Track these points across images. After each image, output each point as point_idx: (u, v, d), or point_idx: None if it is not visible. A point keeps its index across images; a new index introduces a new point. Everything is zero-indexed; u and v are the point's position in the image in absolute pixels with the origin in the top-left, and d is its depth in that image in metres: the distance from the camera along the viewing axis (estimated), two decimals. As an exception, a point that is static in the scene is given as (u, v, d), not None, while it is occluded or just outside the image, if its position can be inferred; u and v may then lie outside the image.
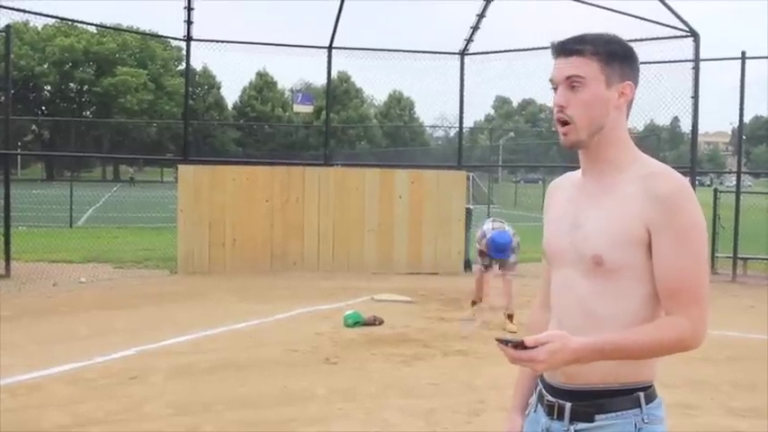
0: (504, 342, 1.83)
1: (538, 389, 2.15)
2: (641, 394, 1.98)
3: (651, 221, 1.92)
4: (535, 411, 2.15)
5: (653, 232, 1.92)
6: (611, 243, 1.94)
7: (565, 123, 1.99)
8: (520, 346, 1.82)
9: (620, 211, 1.95)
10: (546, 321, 2.24)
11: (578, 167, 2.14)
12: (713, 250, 13.61)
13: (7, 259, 11.49)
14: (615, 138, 2.02)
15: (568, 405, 2.00)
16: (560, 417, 2.02)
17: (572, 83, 1.97)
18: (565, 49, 1.99)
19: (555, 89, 2.02)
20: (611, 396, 1.97)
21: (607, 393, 1.97)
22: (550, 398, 2.06)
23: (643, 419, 1.97)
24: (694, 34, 12.37)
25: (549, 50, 2.06)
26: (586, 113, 1.96)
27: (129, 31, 34.97)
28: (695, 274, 1.92)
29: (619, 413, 1.96)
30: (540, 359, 1.80)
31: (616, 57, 1.99)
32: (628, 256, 1.94)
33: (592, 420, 1.97)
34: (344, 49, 13.93)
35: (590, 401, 1.98)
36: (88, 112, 63.79)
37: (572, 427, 1.99)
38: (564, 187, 2.20)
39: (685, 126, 13.06)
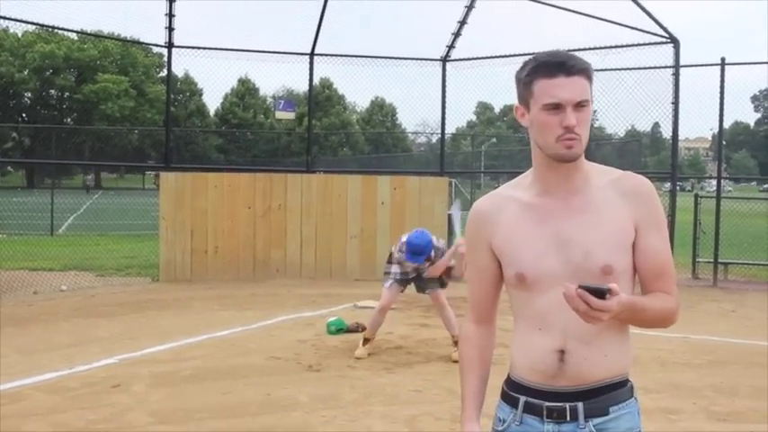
0: (590, 289, 1.83)
1: (521, 402, 2.16)
2: (632, 384, 2.16)
3: (638, 218, 2.09)
4: (519, 424, 2.16)
5: (640, 227, 2.09)
6: (616, 250, 2.07)
7: (573, 138, 2.04)
8: (606, 293, 1.83)
9: (611, 218, 2.08)
10: (486, 336, 2.32)
11: None
12: (694, 255, 13.71)
13: (-13, 267, 11.42)
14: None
15: (581, 405, 2.09)
16: (574, 418, 2.10)
17: (580, 104, 2.02)
18: (570, 68, 2.00)
19: (555, 107, 2.01)
20: (616, 388, 2.12)
21: (613, 386, 2.11)
22: (555, 403, 2.11)
23: (638, 408, 2.16)
24: (674, 41, 12.48)
25: (538, 65, 2.03)
26: (586, 129, 2.06)
27: (111, 37, 34.70)
28: (671, 258, 2.17)
29: (626, 402, 2.13)
30: (613, 309, 1.85)
31: (593, 74, 2.08)
32: (628, 257, 2.09)
33: (607, 413, 2.09)
34: (326, 55, 13.95)
35: (602, 396, 2.09)
36: (69, 119, 63.29)
37: (589, 424, 2.09)
38: (508, 210, 2.20)
39: (666, 132, 13.14)
